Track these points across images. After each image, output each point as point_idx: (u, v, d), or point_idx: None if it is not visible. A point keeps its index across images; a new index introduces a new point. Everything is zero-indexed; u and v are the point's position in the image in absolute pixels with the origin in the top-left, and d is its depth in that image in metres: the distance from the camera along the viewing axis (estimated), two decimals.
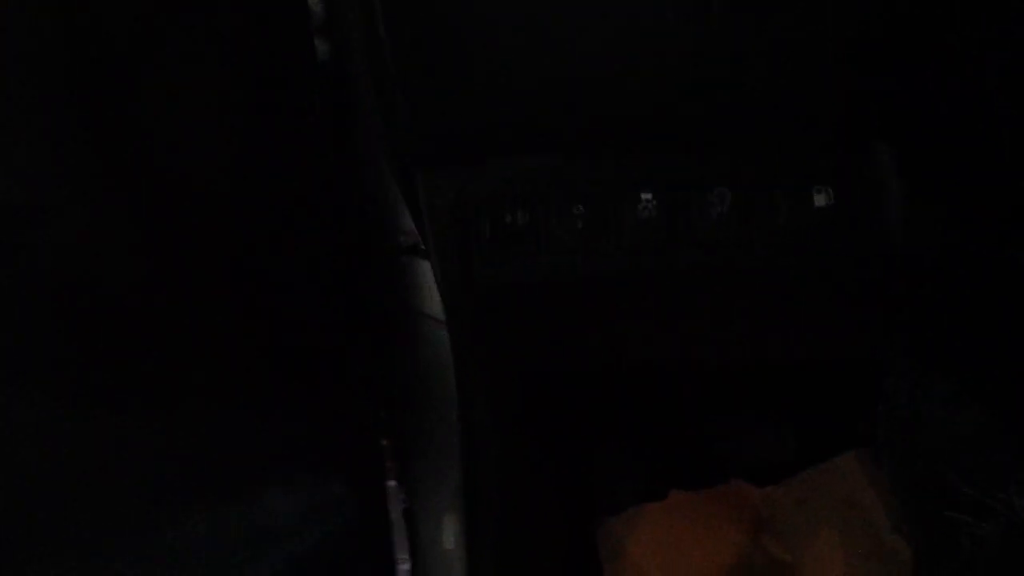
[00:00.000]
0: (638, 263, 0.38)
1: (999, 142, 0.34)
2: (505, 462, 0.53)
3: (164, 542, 0.43)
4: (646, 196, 0.38)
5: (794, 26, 0.34)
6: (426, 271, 0.54)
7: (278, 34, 0.44)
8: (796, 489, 0.59)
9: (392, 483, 0.58)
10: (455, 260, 0.40)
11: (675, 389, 0.56)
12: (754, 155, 0.37)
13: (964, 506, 0.48)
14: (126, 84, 0.38)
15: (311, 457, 0.50)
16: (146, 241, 0.41)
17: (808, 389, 0.57)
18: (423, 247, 0.51)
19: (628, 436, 0.60)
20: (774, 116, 0.36)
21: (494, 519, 0.51)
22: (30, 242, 0.37)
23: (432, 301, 0.53)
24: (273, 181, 0.45)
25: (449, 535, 0.53)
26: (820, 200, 0.37)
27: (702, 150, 0.38)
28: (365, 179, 0.48)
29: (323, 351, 0.49)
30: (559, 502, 0.56)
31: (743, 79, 0.36)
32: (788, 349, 0.46)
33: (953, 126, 0.35)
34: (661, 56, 0.36)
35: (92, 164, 0.38)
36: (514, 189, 0.38)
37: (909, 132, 0.35)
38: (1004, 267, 0.37)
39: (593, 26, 0.35)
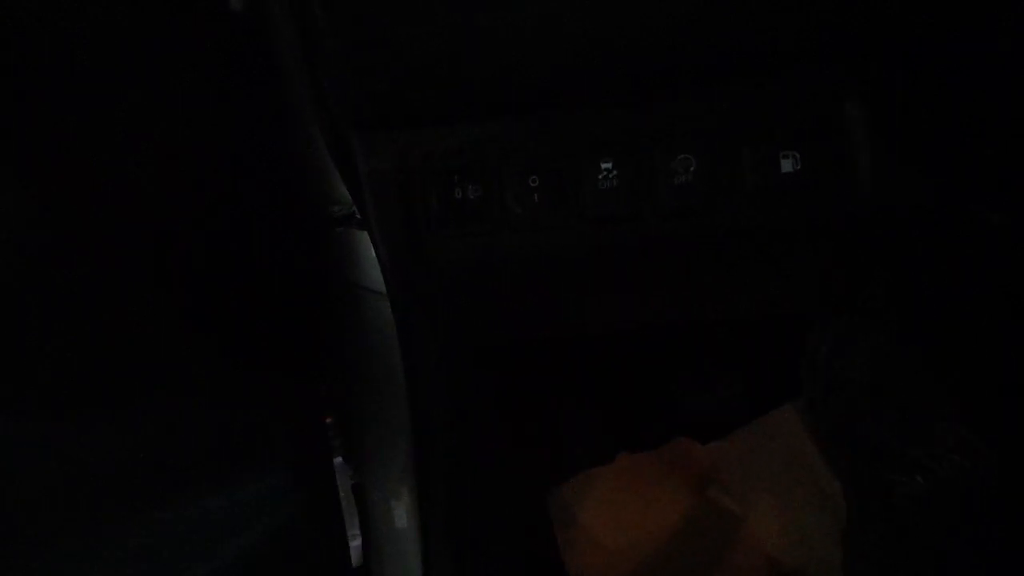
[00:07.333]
0: (599, 237, 0.36)
1: (974, 97, 0.33)
2: (456, 436, 0.51)
3: (102, 547, 0.40)
4: (606, 165, 0.35)
5: None
6: (362, 242, 0.50)
7: None
8: (739, 442, 0.60)
9: (339, 460, 0.56)
10: (401, 234, 0.37)
11: (625, 350, 0.55)
12: (719, 116, 0.35)
13: (893, 461, 0.49)
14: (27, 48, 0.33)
15: (252, 443, 0.47)
16: (57, 222, 0.36)
17: (755, 342, 0.57)
18: (358, 216, 0.47)
19: (579, 399, 0.59)
20: (739, 72, 0.34)
21: (446, 494, 0.50)
22: None
23: (370, 273, 0.49)
24: (188, 149, 0.40)
25: (401, 513, 0.52)
26: (787, 166, 0.35)
27: (664, 110, 0.35)
28: (289, 144, 0.43)
29: (255, 333, 0.45)
30: (512, 474, 0.55)
31: (705, 32, 0.33)
32: (742, 308, 0.46)
33: (927, 82, 0.34)
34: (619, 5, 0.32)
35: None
36: (464, 160, 0.35)
37: (882, 89, 0.34)
38: (972, 225, 0.37)
39: None
